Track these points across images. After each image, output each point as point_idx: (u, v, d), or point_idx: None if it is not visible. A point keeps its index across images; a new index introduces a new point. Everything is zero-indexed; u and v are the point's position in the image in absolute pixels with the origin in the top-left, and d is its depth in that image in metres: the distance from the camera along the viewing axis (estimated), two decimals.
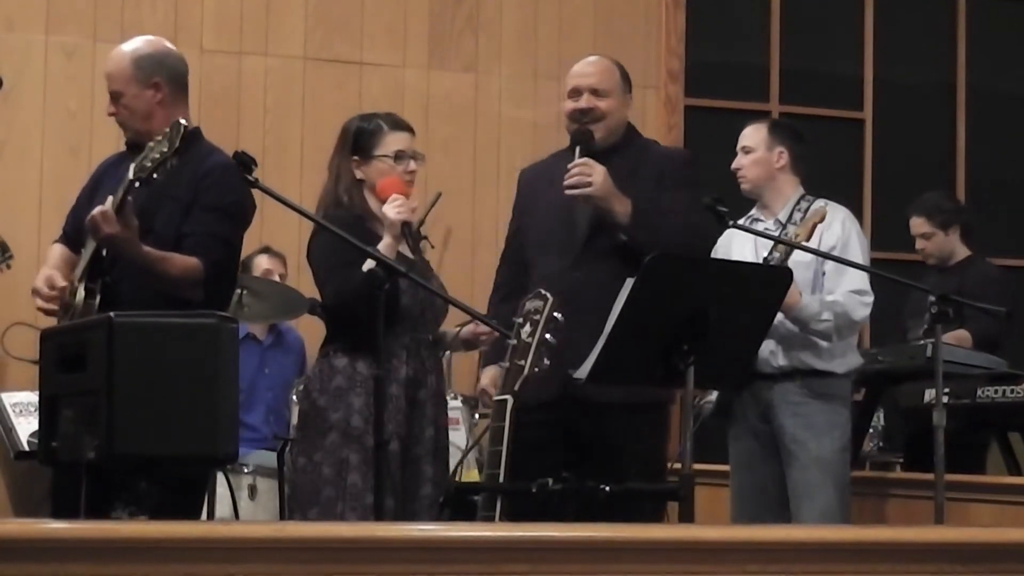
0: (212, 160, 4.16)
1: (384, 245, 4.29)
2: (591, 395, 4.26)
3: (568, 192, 4.50)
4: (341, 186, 4.42)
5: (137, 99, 4.22)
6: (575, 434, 4.45)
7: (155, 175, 3.87)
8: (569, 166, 4.52)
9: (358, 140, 4.44)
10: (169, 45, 4.35)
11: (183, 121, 3.89)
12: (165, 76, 4.23)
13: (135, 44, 4.30)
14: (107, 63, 4.33)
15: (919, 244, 6.31)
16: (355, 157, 4.42)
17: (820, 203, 4.92)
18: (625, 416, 4.43)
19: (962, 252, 6.31)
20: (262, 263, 6.30)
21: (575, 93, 4.68)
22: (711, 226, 4.63)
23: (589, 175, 4.48)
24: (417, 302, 4.39)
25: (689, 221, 4.53)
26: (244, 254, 6.26)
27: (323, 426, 4.28)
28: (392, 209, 4.32)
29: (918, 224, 6.29)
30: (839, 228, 4.86)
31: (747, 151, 5.02)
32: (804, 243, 4.62)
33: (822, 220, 4.70)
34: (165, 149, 3.85)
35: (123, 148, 4.35)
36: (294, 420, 5.36)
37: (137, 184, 3.89)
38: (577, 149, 4.58)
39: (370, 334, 3.97)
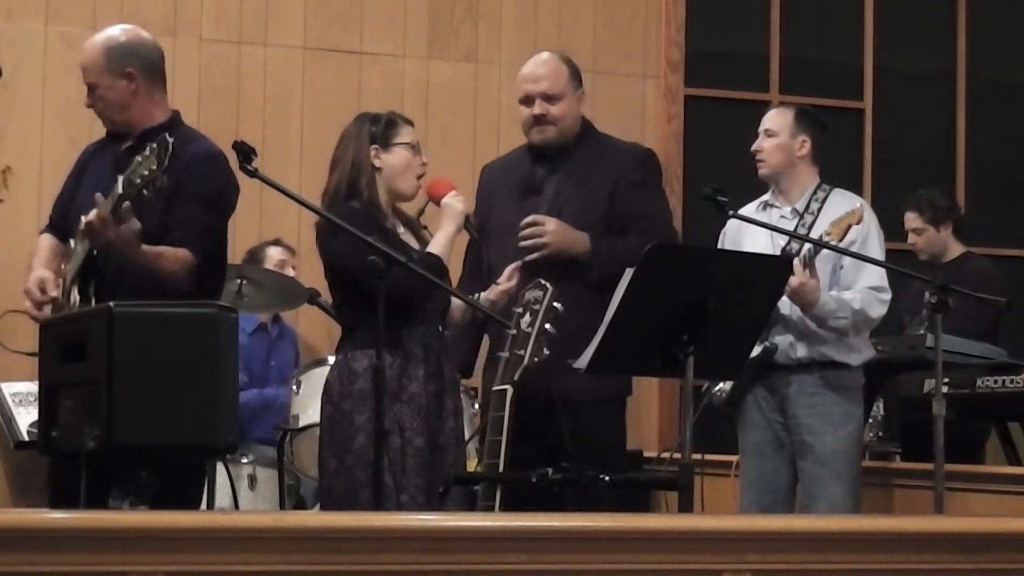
0: (192, 148, 4.10)
1: (446, 235, 4.43)
2: (548, 389, 4.31)
3: (528, 259, 4.52)
4: (364, 178, 4.41)
5: (111, 90, 4.18)
6: (537, 427, 4.43)
7: (144, 191, 3.80)
8: (521, 225, 4.57)
9: (376, 130, 4.46)
10: (143, 33, 4.28)
11: (170, 138, 3.79)
12: (139, 65, 4.18)
13: (106, 34, 4.24)
14: (81, 55, 4.29)
15: (911, 239, 6.35)
16: (375, 146, 4.44)
17: (845, 196, 4.89)
18: (582, 411, 4.49)
19: (956, 250, 6.33)
20: (274, 255, 6.30)
21: (527, 100, 4.71)
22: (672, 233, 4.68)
23: (541, 234, 4.55)
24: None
25: (655, 231, 4.54)
26: (253, 244, 6.31)
27: (350, 429, 4.29)
28: (458, 201, 4.47)
29: (910, 219, 6.35)
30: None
31: (770, 134, 4.94)
32: (835, 242, 4.59)
33: (859, 222, 4.65)
34: (154, 167, 3.76)
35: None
36: (293, 411, 5.37)
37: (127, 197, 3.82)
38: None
39: (393, 328, 4.09)
